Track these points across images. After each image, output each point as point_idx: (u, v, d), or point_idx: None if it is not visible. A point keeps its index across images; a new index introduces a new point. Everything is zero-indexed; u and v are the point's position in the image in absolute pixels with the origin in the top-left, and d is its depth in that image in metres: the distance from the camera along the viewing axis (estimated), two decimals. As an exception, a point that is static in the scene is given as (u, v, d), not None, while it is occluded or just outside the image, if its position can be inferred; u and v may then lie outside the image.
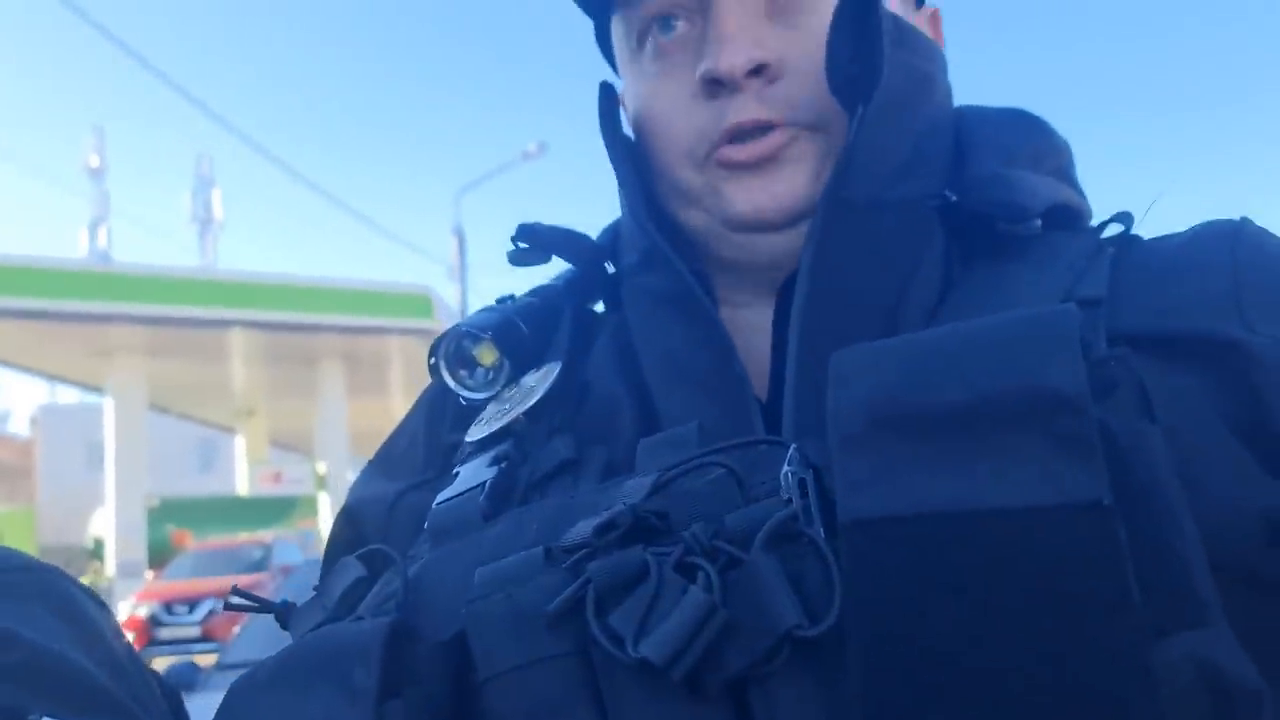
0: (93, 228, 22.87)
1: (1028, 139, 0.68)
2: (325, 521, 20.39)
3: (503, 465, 0.63)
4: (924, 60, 0.64)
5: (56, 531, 28.26)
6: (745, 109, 0.62)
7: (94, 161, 23.63)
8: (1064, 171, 0.68)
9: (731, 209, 0.63)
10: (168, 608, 13.85)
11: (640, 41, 0.68)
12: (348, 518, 0.75)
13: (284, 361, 19.35)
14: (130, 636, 0.64)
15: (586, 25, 0.76)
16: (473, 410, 0.72)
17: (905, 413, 0.44)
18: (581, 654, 0.46)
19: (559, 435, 0.65)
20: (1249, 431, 0.50)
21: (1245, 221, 0.60)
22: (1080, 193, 0.68)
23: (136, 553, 17.72)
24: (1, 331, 16.04)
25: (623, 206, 0.70)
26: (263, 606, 0.60)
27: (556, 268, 0.79)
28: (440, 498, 0.63)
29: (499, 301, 0.77)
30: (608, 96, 0.68)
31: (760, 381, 0.64)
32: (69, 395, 35.64)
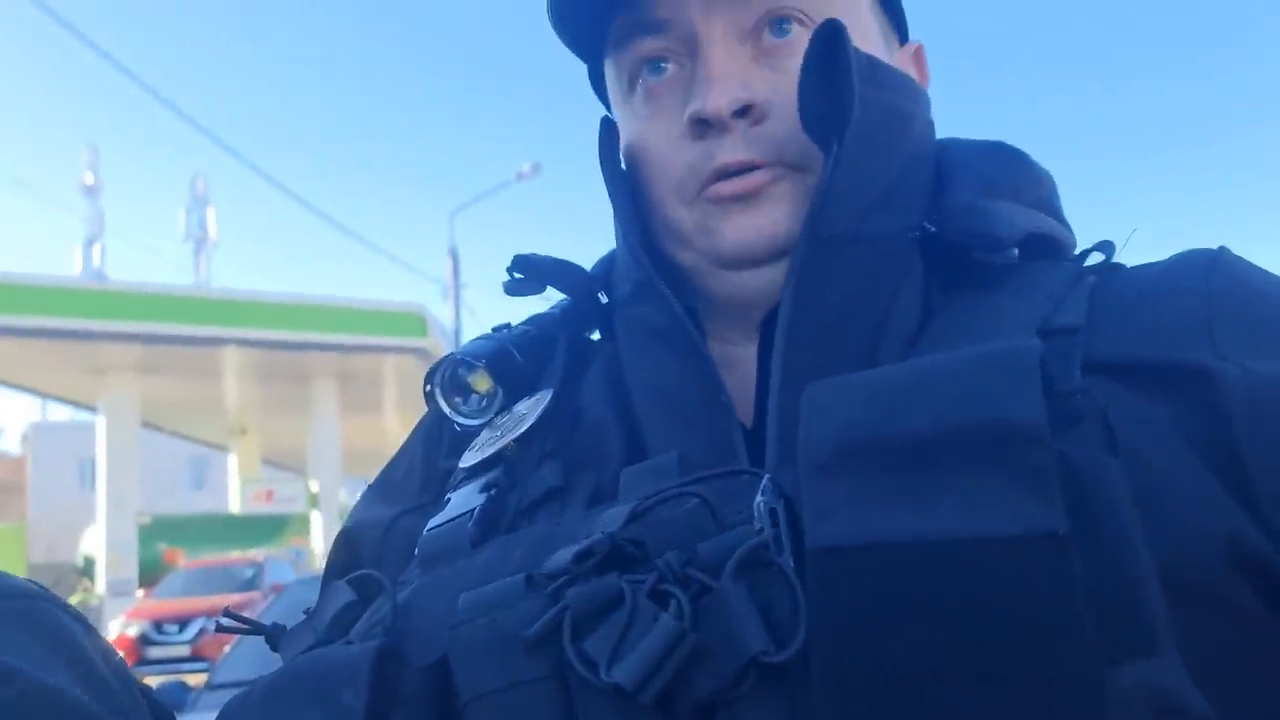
0: (87, 245, 22.83)
1: (1007, 170, 0.69)
2: (317, 540, 20.33)
3: (492, 492, 0.65)
4: (901, 97, 0.65)
5: (47, 549, 28.10)
6: (733, 150, 0.64)
7: (89, 179, 23.60)
8: (1045, 201, 0.69)
9: (720, 244, 0.65)
10: (158, 626, 13.75)
11: (631, 84, 0.69)
12: (346, 541, 0.77)
13: (277, 379, 19.30)
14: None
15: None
16: (467, 436, 0.73)
17: (871, 444, 0.46)
18: (559, 678, 0.48)
19: (548, 462, 0.66)
20: (1216, 457, 0.51)
21: (1223, 250, 0.61)
22: (1063, 222, 0.69)
23: (127, 571, 17.63)
24: (-5, 349, 16.00)
25: (618, 239, 0.71)
26: (254, 629, 0.62)
27: (554, 294, 0.81)
28: (431, 524, 0.65)
29: (495, 330, 0.79)
30: (608, 131, 0.70)
31: (746, 411, 0.65)
32: (61, 413, 35.54)
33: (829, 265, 0.61)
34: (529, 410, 0.70)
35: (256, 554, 16.94)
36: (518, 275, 0.75)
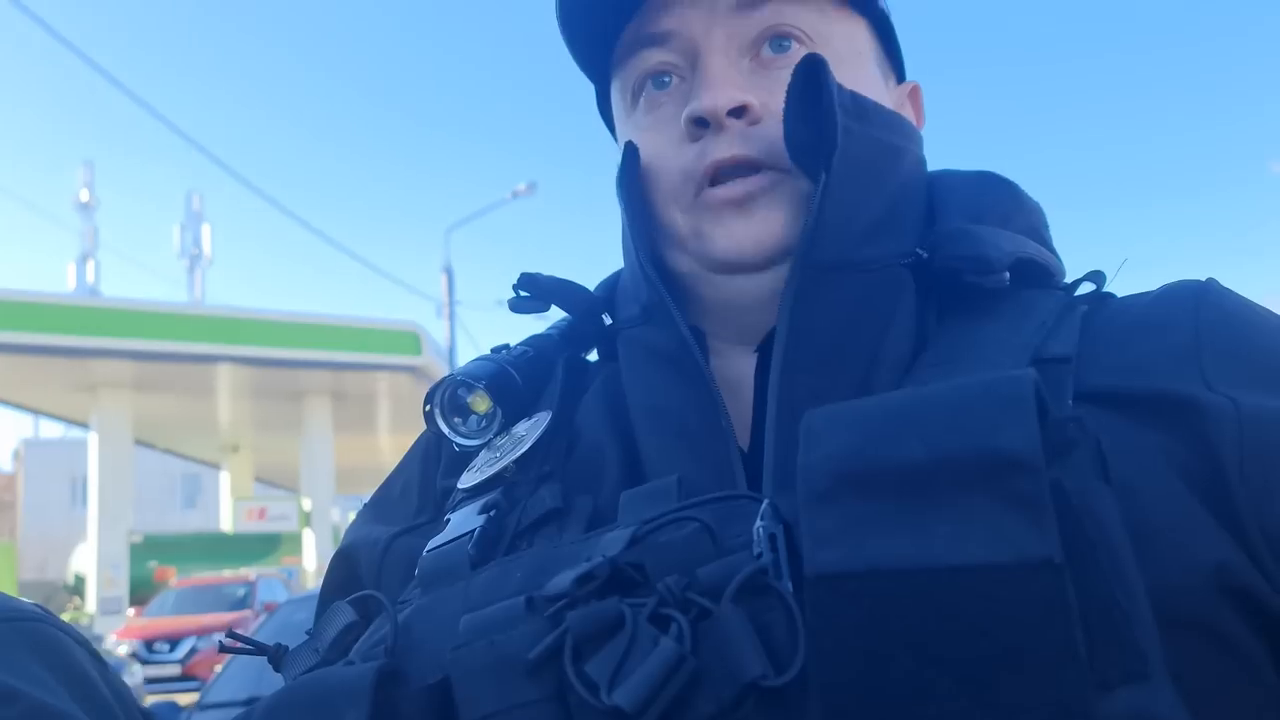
0: (81, 262, 22.85)
1: (995, 198, 0.71)
2: (310, 559, 20.23)
3: (492, 513, 0.65)
4: (890, 133, 0.67)
5: (38, 567, 27.98)
6: (728, 146, 0.65)
7: (84, 196, 23.64)
8: (1035, 230, 0.71)
9: (714, 248, 0.66)
10: (149, 645, 13.69)
11: (635, 98, 0.71)
12: (343, 559, 0.77)
13: (270, 397, 19.28)
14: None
15: (579, 69, 0.79)
16: (465, 456, 0.74)
17: (869, 471, 0.47)
18: (559, 700, 0.48)
19: (547, 484, 0.67)
20: (1205, 487, 0.52)
21: (1210, 281, 0.62)
22: (1052, 251, 0.70)
23: (118, 589, 17.55)
24: (-13, 365, 15.97)
25: (628, 259, 0.72)
26: (257, 649, 0.62)
27: (554, 314, 0.82)
28: (431, 544, 0.65)
29: (494, 351, 0.80)
30: (633, 154, 0.71)
31: (743, 432, 0.66)
32: (53, 429, 35.41)
33: (822, 293, 0.62)
34: (528, 432, 0.71)
35: (248, 573, 16.87)
36: (523, 293, 0.76)
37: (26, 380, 17.33)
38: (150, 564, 19.94)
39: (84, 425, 19.84)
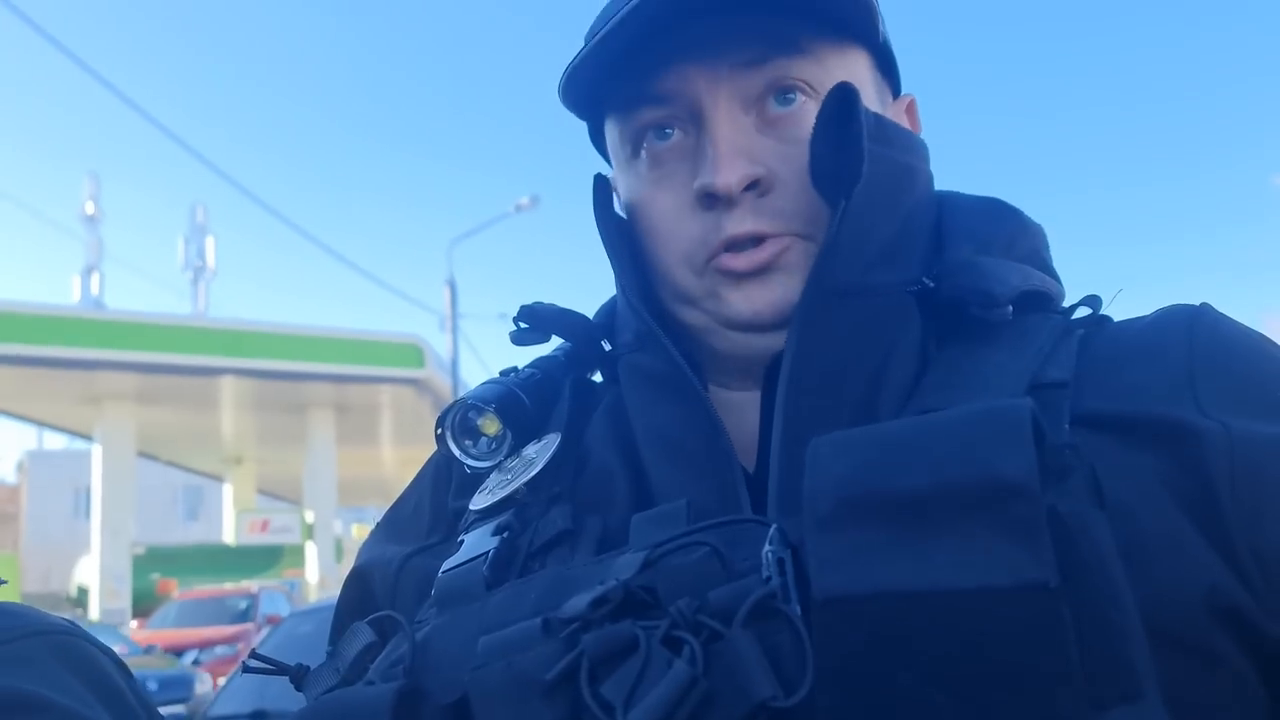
0: (85, 274, 22.89)
1: (1001, 226, 0.72)
2: (312, 571, 20.20)
3: (505, 535, 0.67)
4: (905, 153, 0.68)
5: (41, 579, 27.93)
6: (741, 223, 0.66)
7: (89, 209, 23.68)
8: (1037, 255, 0.72)
9: (731, 311, 0.67)
10: (151, 658, 13.66)
11: (635, 149, 0.71)
12: (358, 579, 0.79)
13: (274, 409, 19.29)
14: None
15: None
16: (476, 478, 0.75)
17: (872, 498, 0.48)
18: None
19: (557, 505, 0.68)
20: (1197, 510, 0.54)
21: (1205, 307, 0.64)
22: (1053, 274, 0.72)
23: (121, 601, 17.53)
24: (-8, 377, 15.98)
25: (618, 290, 0.73)
26: (279, 669, 0.63)
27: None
28: (446, 565, 0.67)
29: (502, 374, 0.81)
30: (602, 189, 0.72)
31: (748, 456, 0.67)
32: (57, 441, 35.42)
33: (831, 317, 0.63)
34: (538, 454, 0.72)
35: (251, 585, 16.83)
36: (523, 325, 0.77)
37: (31, 392, 17.35)
38: (153, 576, 19.94)
39: (88, 437, 19.86)
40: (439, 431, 0.76)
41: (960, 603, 0.45)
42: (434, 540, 0.76)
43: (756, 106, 0.68)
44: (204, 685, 9.98)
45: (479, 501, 0.72)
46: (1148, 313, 0.66)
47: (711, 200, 0.66)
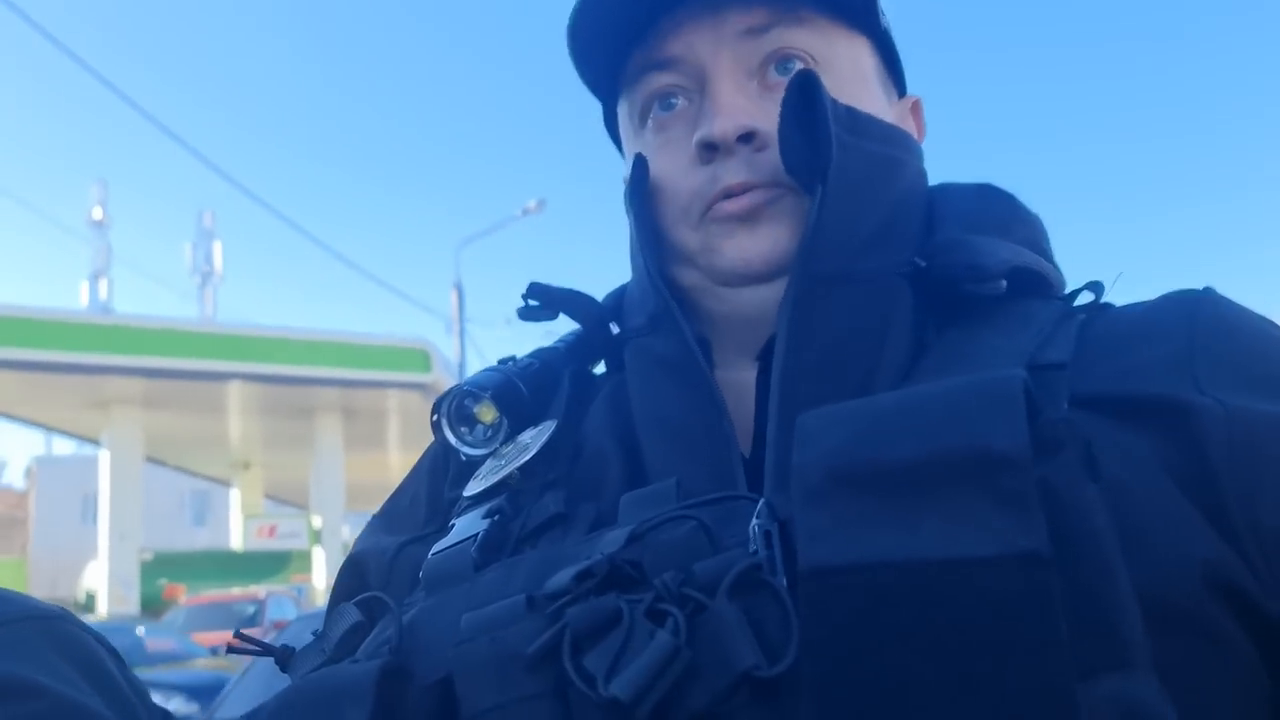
0: (93, 279, 22.99)
1: (993, 209, 0.72)
2: (320, 577, 20.23)
3: (495, 518, 0.66)
4: (887, 146, 0.68)
5: (49, 584, 28.01)
6: (736, 173, 0.67)
7: (98, 214, 23.79)
8: (1034, 241, 0.72)
9: (722, 260, 0.68)
10: (159, 662, 13.69)
11: (643, 119, 0.73)
12: (352, 566, 0.79)
13: (281, 414, 19.34)
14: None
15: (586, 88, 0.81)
16: (472, 467, 0.75)
17: (861, 469, 0.48)
18: (559, 694, 0.49)
19: (551, 490, 0.68)
20: (1194, 487, 0.53)
21: (1208, 290, 0.63)
22: (1051, 262, 0.71)
23: (129, 606, 17.58)
24: (-1, 382, 16.05)
25: (636, 268, 0.74)
26: (264, 650, 0.63)
27: (561, 326, 0.83)
28: (435, 548, 0.67)
29: (500, 363, 0.81)
30: (641, 165, 0.72)
31: (746, 438, 0.67)
32: (65, 446, 35.52)
33: (821, 303, 0.63)
34: (533, 440, 0.72)
35: (258, 590, 16.87)
36: (532, 302, 0.77)
37: (39, 397, 17.42)
38: (160, 581, 19.98)
39: (95, 442, 19.91)
40: (435, 418, 0.76)
41: (949, 572, 0.44)
42: (430, 530, 0.76)
43: (759, 74, 0.70)
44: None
45: (472, 487, 0.72)
46: (1151, 298, 0.65)
47: (709, 152, 0.67)
